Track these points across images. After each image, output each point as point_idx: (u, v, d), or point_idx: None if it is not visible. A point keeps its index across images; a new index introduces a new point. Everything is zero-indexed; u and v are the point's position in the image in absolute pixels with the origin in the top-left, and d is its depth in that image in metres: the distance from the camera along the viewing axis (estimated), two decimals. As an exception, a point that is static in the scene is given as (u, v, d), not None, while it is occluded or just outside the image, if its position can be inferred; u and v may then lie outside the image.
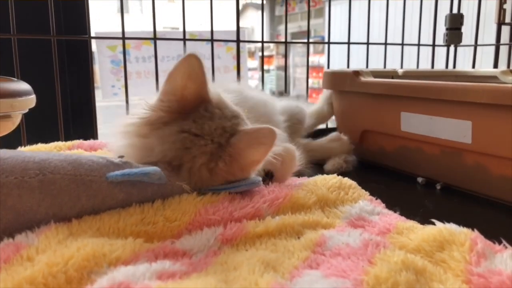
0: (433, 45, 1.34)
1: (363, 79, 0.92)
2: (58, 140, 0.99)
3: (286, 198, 0.53)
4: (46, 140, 0.90)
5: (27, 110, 0.68)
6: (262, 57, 1.23)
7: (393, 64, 1.32)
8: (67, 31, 1.06)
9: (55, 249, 0.39)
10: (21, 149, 0.84)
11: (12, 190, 0.43)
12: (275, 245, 0.45)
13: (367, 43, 1.23)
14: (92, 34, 0.95)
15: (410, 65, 1.33)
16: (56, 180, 0.45)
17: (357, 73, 0.94)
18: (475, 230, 0.45)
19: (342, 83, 0.98)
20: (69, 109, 1.26)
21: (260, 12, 1.22)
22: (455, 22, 1.30)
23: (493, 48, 1.33)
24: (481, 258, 0.40)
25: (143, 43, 1.54)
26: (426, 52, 1.38)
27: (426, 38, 1.36)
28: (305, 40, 1.23)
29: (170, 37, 1.41)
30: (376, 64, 1.35)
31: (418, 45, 1.31)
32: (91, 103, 1.26)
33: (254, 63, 7.99)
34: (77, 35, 1.04)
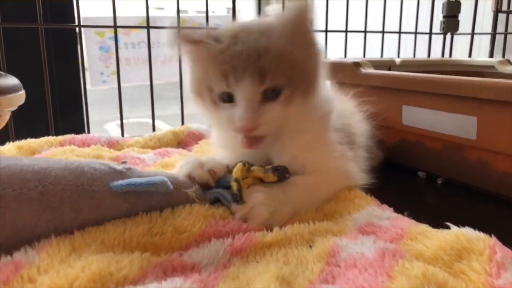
0: (430, 33, 1.32)
1: (363, 70, 0.90)
2: (46, 132, 0.96)
3: (294, 216, 0.52)
4: (34, 132, 0.86)
5: (16, 108, 0.64)
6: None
7: (388, 53, 1.30)
8: (53, 19, 1.00)
9: (58, 269, 0.37)
10: (9, 144, 0.81)
11: (10, 203, 0.40)
12: (286, 256, 0.44)
13: (365, 31, 1.21)
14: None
15: (406, 53, 1.31)
16: (57, 192, 0.43)
17: (357, 65, 0.92)
18: (493, 236, 0.44)
19: (342, 75, 0.95)
20: (56, 99, 1.22)
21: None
22: (452, 10, 1.28)
23: (485, 37, 1.31)
24: (501, 269, 0.39)
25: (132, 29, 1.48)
26: (421, 40, 1.36)
27: (422, 26, 1.33)
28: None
29: (162, 22, 1.36)
30: (371, 52, 1.32)
31: (415, 33, 1.29)
32: (79, 92, 1.22)
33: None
34: (65, 23, 0.99)
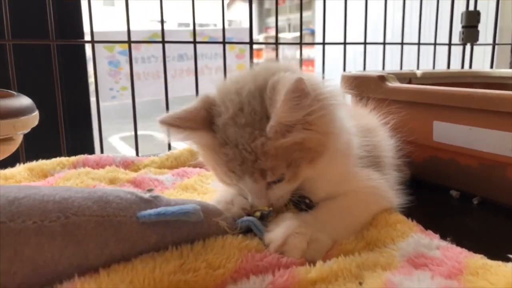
0: (449, 44, 1.28)
1: (390, 84, 0.86)
2: (55, 149, 0.92)
3: (334, 246, 0.48)
4: (43, 151, 0.82)
5: (29, 130, 0.60)
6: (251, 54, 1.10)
7: (407, 64, 1.26)
8: (61, 34, 0.97)
9: (86, 317, 0.33)
10: (19, 166, 0.77)
11: (30, 237, 0.36)
12: (335, 295, 0.39)
13: (384, 43, 1.17)
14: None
15: (424, 64, 1.27)
16: (81, 223, 0.38)
17: (382, 78, 0.88)
18: None
19: (365, 88, 0.91)
20: (65, 115, 1.18)
21: (247, 4, 1.12)
22: (471, 20, 1.25)
23: (488, 47, 1.28)
24: None
25: (142, 42, 1.45)
26: (433, 51, 1.31)
27: (432, 37, 1.29)
28: (297, 37, 1.15)
29: (171, 35, 1.33)
30: (387, 64, 1.28)
31: (435, 44, 1.26)
32: (88, 108, 1.18)
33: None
34: (74, 39, 0.95)
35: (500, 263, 0.44)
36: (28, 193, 0.39)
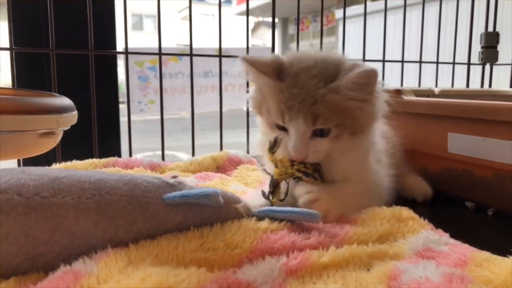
0: (468, 64, 1.31)
1: (406, 98, 0.89)
2: (86, 156, 0.97)
3: (348, 235, 0.50)
4: (71, 157, 0.87)
5: (69, 127, 0.66)
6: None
7: (424, 83, 1.29)
8: (97, 48, 1.05)
9: (118, 279, 0.36)
10: (55, 165, 0.83)
11: (69, 211, 0.41)
12: (344, 278, 0.42)
13: (402, 61, 1.21)
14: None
15: (442, 84, 1.29)
16: (113, 202, 0.43)
17: (398, 92, 0.91)
18: None
19: (382, 102, 0.94)
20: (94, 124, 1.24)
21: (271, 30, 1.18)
22: (490, 40, 1.27)
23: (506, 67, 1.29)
24: None
25: (170, 59, 1.53)
26: (458, 71, 1.34)
27: (452, 57, 1.32)
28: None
29: (199, 52, 1.40)
30: (406, 82, 1.31)
31: (453, 63, 1.28)
32: (117, 121, 1.24)
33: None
34: (112, 50, 1.03)
35: (505, 258, 0.45)
36: (67, 174, 0.44)
